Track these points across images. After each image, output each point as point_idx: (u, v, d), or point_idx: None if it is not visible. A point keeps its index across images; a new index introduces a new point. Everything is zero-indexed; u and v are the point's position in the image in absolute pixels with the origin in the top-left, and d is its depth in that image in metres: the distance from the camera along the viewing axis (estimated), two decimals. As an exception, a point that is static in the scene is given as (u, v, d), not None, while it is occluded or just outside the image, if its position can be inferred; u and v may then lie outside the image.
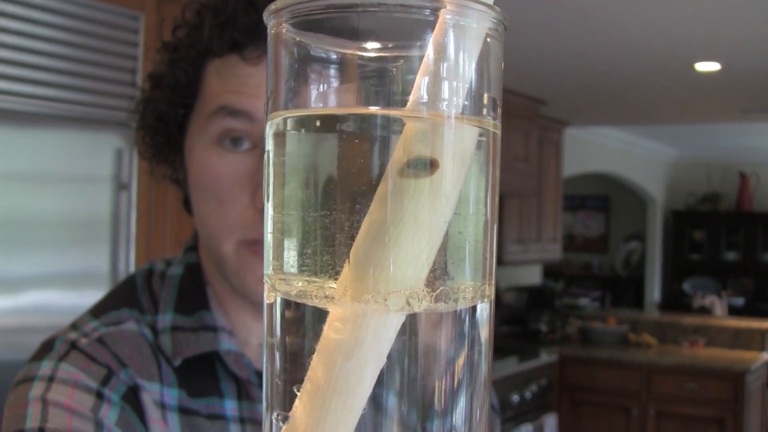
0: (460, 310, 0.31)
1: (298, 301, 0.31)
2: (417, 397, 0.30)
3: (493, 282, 0.33)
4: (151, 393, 0.77)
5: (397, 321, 0.29)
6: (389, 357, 0.29)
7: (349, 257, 0.29)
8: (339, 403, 0.29)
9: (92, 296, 0.87)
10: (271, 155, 0.32)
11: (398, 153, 0.29)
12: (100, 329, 0.80)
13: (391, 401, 0.30)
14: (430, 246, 0.29)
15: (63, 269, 2.20)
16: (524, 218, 5.25)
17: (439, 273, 0.30)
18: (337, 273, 0.29)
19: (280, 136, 0.32)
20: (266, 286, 0.32)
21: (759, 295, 8.07)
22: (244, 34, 0.74)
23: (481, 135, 0.31)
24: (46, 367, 0.75)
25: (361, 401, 0.29)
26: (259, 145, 0.75)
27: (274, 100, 0.32)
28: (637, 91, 4.91)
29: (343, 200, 0.30)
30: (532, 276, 6.12)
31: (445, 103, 0.29)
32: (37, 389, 0.73)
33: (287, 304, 0.31)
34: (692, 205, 8.35)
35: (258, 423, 0.80)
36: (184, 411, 0.78)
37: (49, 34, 2.12)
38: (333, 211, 0.30)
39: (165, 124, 0.82)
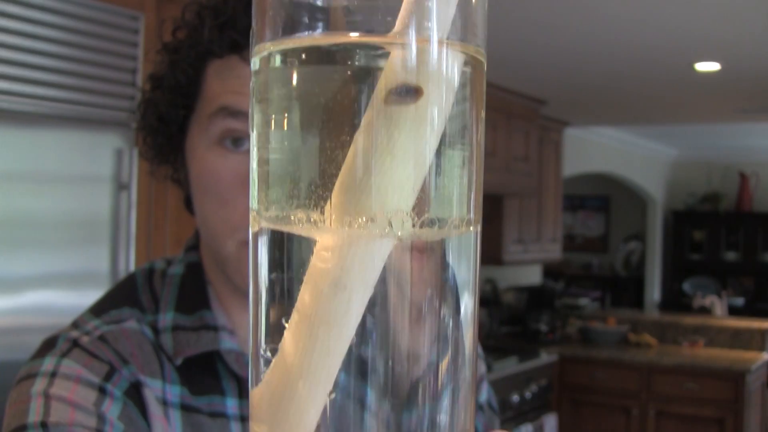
0: (446, 239, 0.31)
1: (284, 230, 0.31)
2: (404, 326, 0.30)
3: (480, 214, 0.32)
4: (153, 390, 0.77)
5: (383, 250, 0.29)
6: (376, 286, 0.29)
7: (334, 185, 0.29)
8: (326, 333, 0.29)
9: (92, 296, 0.87)
10: (255, 89, 0.32)
11: (383, 80, 0.29)
12: (101, 327, 0.80)
13: (379, 331, 0.30)
14: (416, 174, 0.29)
15: (63, 269, 2.20)
16: (524, 218, 5.25)
17: (425, 201, 0.30)
18: (324, 201, 0.29)
19: (264, 69, 0.32)
20: (251, 216, 0.32)
21: (759, 295, 8.07)
22: (243, 35, 0.75)
23: (465, 63, 0.31)
24: (48, 364, 0.76)
25: (348, 331, 0.29)
26: None
27: (258, 34, 0.32)
28: (637, 91, 4.91)
29: (329, 130, 0.30)
30: (532, 276, 6.12)
31: (430, 30, 0.29)
32: (39, 385, 0.74)
33: (273, 235, 0.31)
34: (692, 205, 8.35)
35: None
36: (186, 408, 0.78)
37: (49, 34, 2.12)
38: (318, 141, 0.30)
39: (166, 124, 0.82)
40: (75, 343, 0.78)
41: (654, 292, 8.26)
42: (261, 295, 0.32)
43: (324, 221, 0.29)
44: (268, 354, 0.31)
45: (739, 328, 5.60)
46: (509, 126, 4.80)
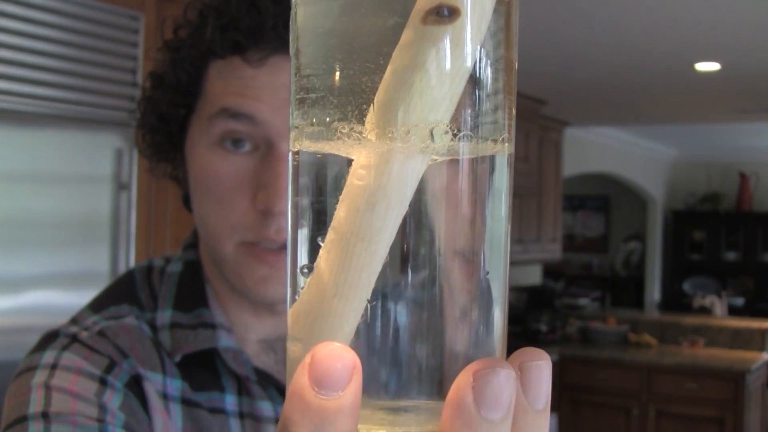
0: (481, 159, 0.32)
1: (323, 150, 0.31)
2: (439, 245, 0.31)
3: (513, 136, 0.34)
4: (154, 383, 0.77)
5: (419, 166, 0.30)
6: (411, 204, 0.30)
7: (373, 104, 0.30)
8: (362, 250, 0.29)
9: (92, 296, 0.87)
10: (297, 17, 0.33)
11: (421, 1, 0.30)
12: (100, 323, 0.80)
13: (413, 247, 0.31)
14: (452, 92, 0.30)
15: (63, 269, 2.20)
16: (524, 218, 5.25)
17: (462, 117, 0.31)
18: (364, 115, 0.30)
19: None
20: (291, 136, 0.33)
21: (759, 295, 8.07)
22: (246, 36, 0.74)
23: None
24: (48, 357, 0.76)
25: (384, 247, 0.30)
26: (260, 147, 0.75)
27: None
28: (638, 91, 4.91)
29: (369, 54, 0.30)
30: (532, 276, 6.12)
31: None
32: (39, 377, 0.74)
33: (311, 155, 0.32)
34: (692, 205, 8.35)
35: (256, 419, 0.80)
36: (186, 402, 0.78)
37: (49, 34, 2.12)
38: (358, 65, 0.30)
39: (166, 123, 0.82)
40: (74, 338, 0.78)
41: (654, 292, 8.26)
42: (297, 216, 0.32)
43: (366, 133, 0.30)
44: (305, 273, 0.32)
45: (739, 328, 5.60)
46: (509, 126, 4.80)
